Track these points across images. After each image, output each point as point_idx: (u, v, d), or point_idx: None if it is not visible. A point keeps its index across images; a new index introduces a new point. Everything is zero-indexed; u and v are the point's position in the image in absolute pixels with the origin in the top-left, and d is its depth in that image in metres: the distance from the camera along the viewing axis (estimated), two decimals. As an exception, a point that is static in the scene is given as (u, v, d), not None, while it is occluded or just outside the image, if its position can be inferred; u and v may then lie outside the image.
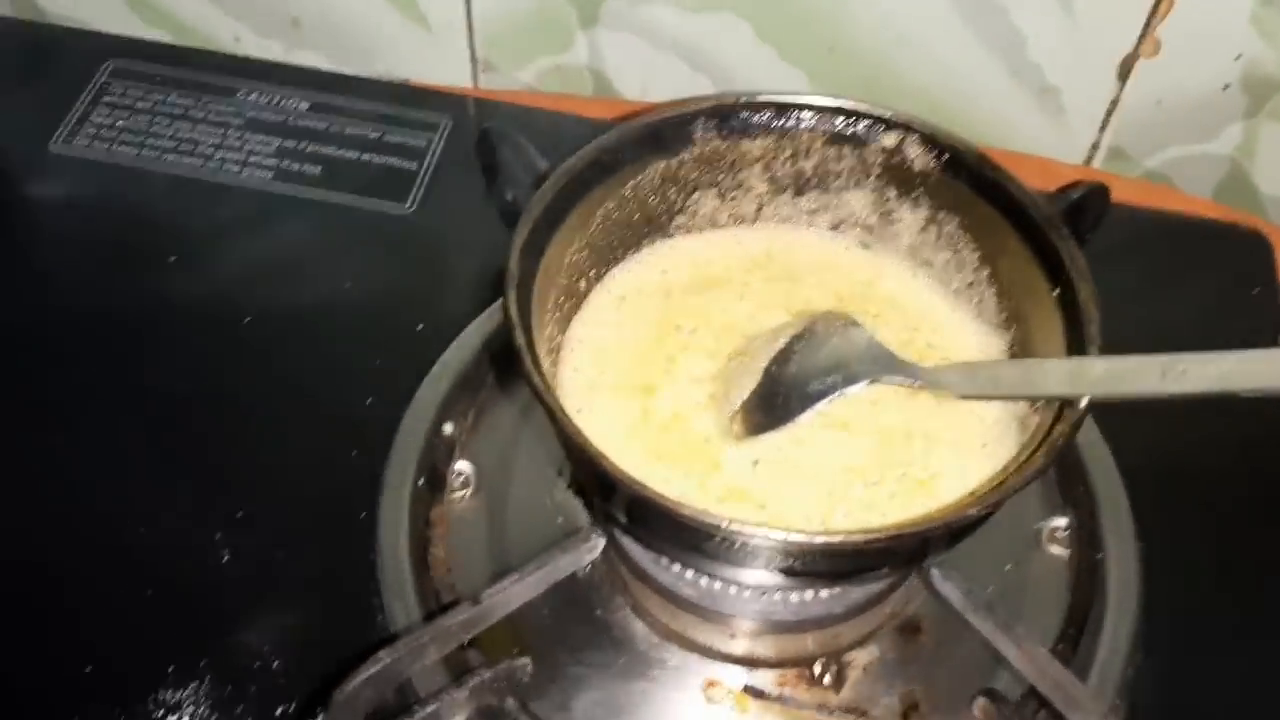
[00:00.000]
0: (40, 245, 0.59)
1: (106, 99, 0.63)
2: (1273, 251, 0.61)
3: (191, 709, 0.44)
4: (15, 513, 0.49)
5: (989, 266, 0.46)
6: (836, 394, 0.42)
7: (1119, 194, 0.55)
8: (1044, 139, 0.65)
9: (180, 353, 0.54)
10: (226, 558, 0.48)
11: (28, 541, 0.48)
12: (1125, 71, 0.62)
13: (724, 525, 0.35)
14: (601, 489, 0.40)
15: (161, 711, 0.44)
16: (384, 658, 0.39)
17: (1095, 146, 0.66)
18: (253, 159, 0.61)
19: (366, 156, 0.62)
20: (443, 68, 0.69)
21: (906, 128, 0.45)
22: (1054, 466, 0.51)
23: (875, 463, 0.42)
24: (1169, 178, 0.66)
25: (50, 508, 0.49)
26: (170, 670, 0.45)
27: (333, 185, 0.60)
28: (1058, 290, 0.42)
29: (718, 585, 0.44)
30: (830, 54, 0.64)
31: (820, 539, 0.35)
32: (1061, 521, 0.50)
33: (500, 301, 0.54)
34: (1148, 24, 0.60)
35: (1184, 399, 0.35)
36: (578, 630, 0.47)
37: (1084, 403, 0.37)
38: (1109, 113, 0.64)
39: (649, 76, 0.68)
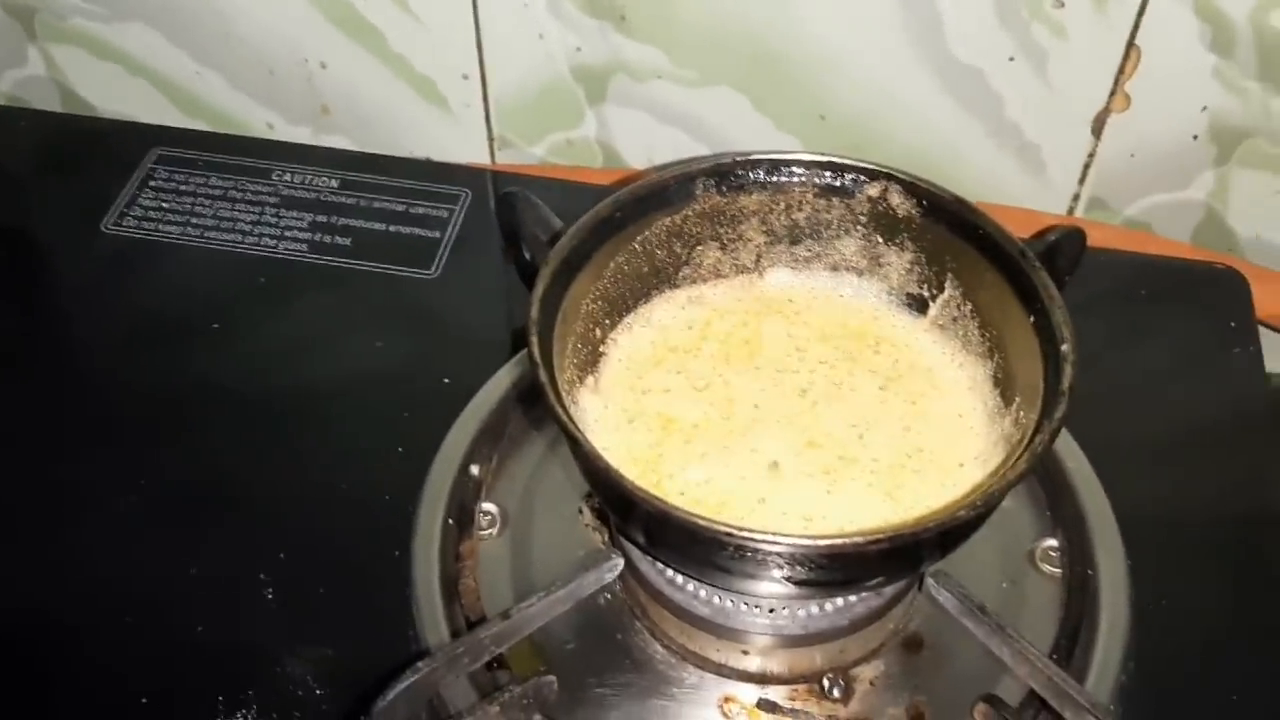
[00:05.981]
0: (93, 317, 0.63)
1: (152, 183, 0.68)
2: (1249, 290, 0.64)
3: (240, 735, 0.47)
4: (75, 560, 0.53)
5: (970, 301, 0.49)
6: None
7: (1100, 241, 0.58)
8: (1028, 192, 0.70)
9: (225, 408, 0.58)
10: (270, 594, 0.51)
11: (90, 584, 0.52)
12: (1099, 127, 0.66)
13: (731, 531, 0.38)
14: (619, 507, 0.43)
15: (212, 739, 0.47)
16: (421, 668, 0.42)
17: (1076, 198, 0.70)
18: (288, 234, 0.66)
19: (393, 228, 0.66)
20: (462, 145, 0.74)
21: (888, 178, 0.50)
22: (1045, 488, 0.54)
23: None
24: (1148, 225, 0.70)
25: (107, 553, 0.53)
26: (220, 700, 0.48)
27: (362, 256, 0.65)
28: (1033, 317, 0.45)
29: (729, 602, 0.47)
30: (822, 121, 0.69)
31: (823, 542, 0.38)
32: (1053, 542, 0.53)
33: (522, 354, 0.59)
34: (1116, 81, 0.64)
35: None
36: (600, 653, 0.49)
37: (1060, 412, 0.41)
38: (1086, 166, 0.68)
39: (653, 147, 0.73)
